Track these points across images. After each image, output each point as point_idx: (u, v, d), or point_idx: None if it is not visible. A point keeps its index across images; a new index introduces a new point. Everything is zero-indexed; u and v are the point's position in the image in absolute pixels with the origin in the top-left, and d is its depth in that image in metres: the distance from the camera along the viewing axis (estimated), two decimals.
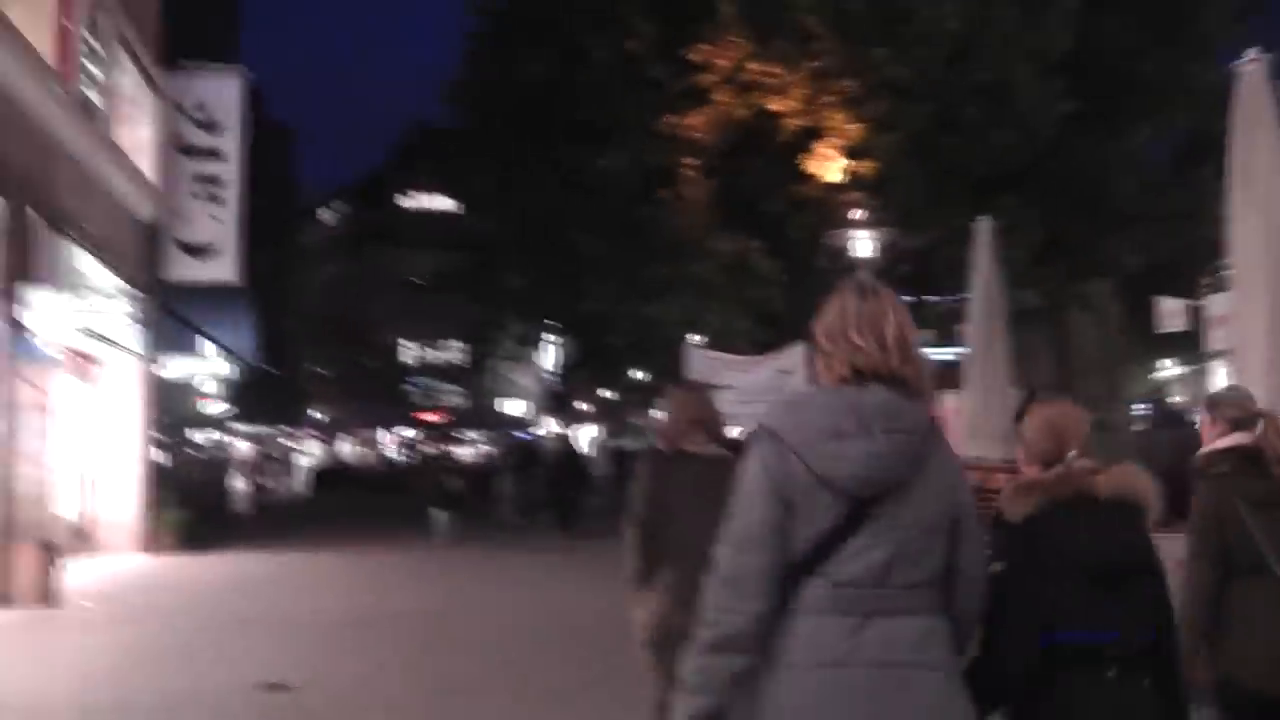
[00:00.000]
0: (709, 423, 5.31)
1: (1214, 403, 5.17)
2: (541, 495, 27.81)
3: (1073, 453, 3.21)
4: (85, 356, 17.87)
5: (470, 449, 52.09)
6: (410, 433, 66.79)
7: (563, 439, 34.70)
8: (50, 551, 13.23)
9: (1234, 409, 4.87)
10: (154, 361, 19.90)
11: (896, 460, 2.61)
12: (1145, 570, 3.09)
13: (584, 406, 62.19)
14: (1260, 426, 4.58)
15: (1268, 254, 8.07)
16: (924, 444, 2.68)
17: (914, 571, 2.62)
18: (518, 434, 61.43)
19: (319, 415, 70.12)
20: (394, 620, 11.84)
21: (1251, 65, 8.28)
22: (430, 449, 21.06)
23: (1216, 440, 4.80)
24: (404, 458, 59.48)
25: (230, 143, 21.27)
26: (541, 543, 21.19)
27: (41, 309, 13.97)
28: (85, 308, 14.62)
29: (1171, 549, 7.34)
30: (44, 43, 14.82)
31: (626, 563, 5.07)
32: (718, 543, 2.68)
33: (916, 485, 2.63)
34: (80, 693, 8.36)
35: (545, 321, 39.03)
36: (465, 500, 21.06)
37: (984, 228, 13.39)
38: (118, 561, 17.50)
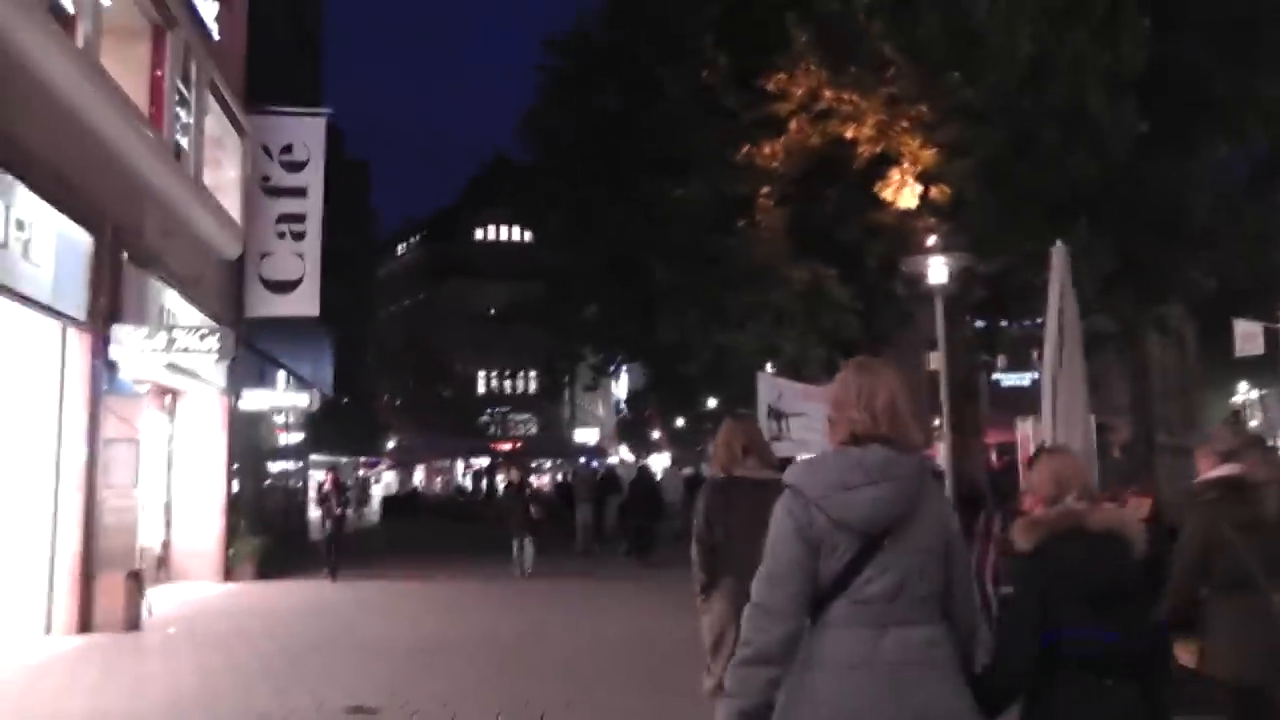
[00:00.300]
0: (758, 448, 6.07)
1: (1208, 437, 5.94)
2: (618, 523, 27.91)
3: (1072, 495, 3.79)
4: (170, 390, 18.31)
5: (545, 477, 52.16)
6: (485, 461, 67.17)
7: (641, 467, 34.67)
8: (136, 580, 13.58)
9: (1224, 443, 5.69)
10: (236, 395, 20.29)
11: (896, 502, 3.29)
12: (1134, 593, 3.66)
13: (656, 434, 62.31)
14: (1248, 458, 5.46)
15: None
16: (917, 487, 3.37)
17: (919, 588, 3.28)
18: (595, 462, 61.69)
19: (394, 445, 70.79)
20: (470, 645, 11.97)
21: None
22: (511, 477, 20.64)
23: (1209, 471, 5.60)
24: (478, 486, 59.75)
25: (313, 182, 21.73)
26: (618, 570, 21.23)
27: (129, 344, 14.34)
28: (171, 343, 14.94)
29: None
30: (138, 90, 15.31)
31: (694, 576, 5.84)
32: (756, 576, 3.31)
33: (914, 520, 3.31)
34: (172, 714, 8.55)
35: (620, 351, 39.20)
36: (543, 528, 21.03)
37: (1058, 252, 13.36)
38: (198, 588, 17.88)
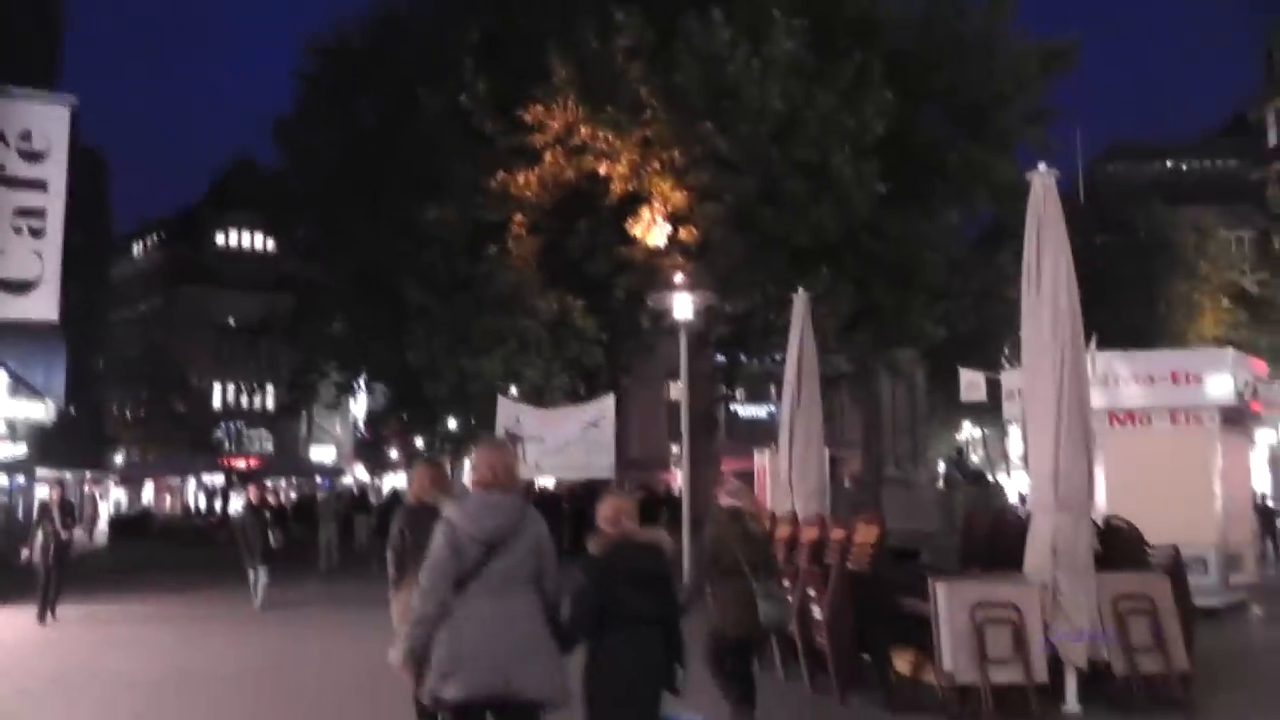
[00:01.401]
0: (441, 483, 8.23)
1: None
2: (368, 543, 27.75)
3: (626, 521, 6.08)
4: None
5: (280, 497, 50.85)
6: (219, 479, 64.99)
7: (393, 491, 34.48)
8: None
9: (732, 487, 9.16)
10: None
11: (506, 524, 5.57)
12: (661, 578, 6.04)
13: (395, 454, 61.69)
14: (744, 498, 8.96)
15: (1054, 339, 9.07)
16: (520, 516, 5.66)
17: (520, 574, 5.52)
18: (328, 481, 60.59)
19: (123, 460, 67.86)
20: (217, 676, 11.73)
21: (1042, 177, 9.42)
22: (251, 496, 19.46)
23: (722, 502, 8.87)
24: (212, 506, 57.79)
25: (54, 175, 20.45)
26: (364, 590, 20.92)
27: None
28: None
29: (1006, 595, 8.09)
30: None
31: (389, 574, 7.85)
32: (421, 570, 5.65)
33: (519, 535, 5.57)
34: None
35: (366, 369, 38.68)
36: (282, 553, 19.77)
37: (800, 299, 14.24)
38: None
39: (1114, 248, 43.84)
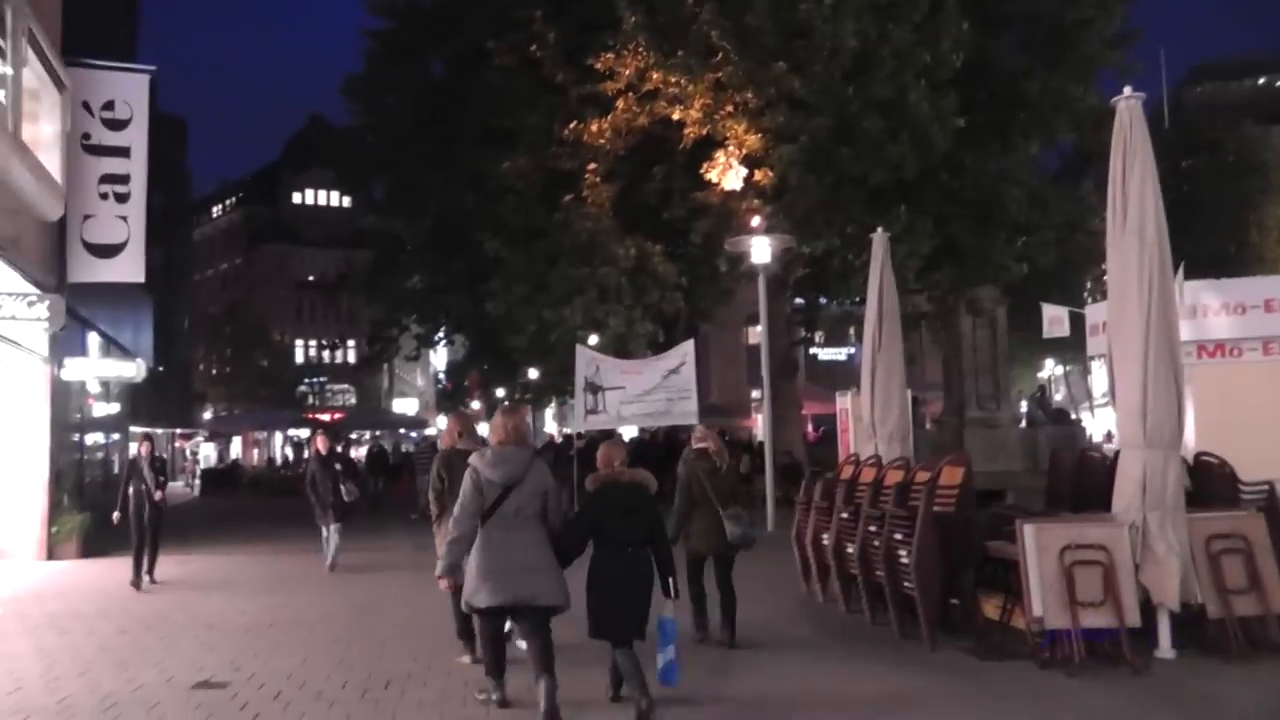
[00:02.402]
0: (469, 433, 10.12)
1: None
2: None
3: (617, 462, 7.76)
4: None
5: (362, 449, 51.59)
6: (304, 433, 66.01)
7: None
8: None
9: (700, 433, 10.83)
10: (58, 364, 19.70)
11: (517, 471, 7.35)
12: (645, 508, 7.60)
13: (476, 405, 62.23)
14: (710, 439, 10.54)
15: (1140, 270, 8.84)
16: (529, 464, 7.43)
17: (529, 509, 7.32)
18: (414, 433, 61.31)
19: (210, 415, 69.15)
20: (309, 620, 11.97)
21: (1128, 101, 9.10)
22: (319, 446, 17.77)
23: (694, 444, 10.58)
24: (299, 458, 58.77)
25: (136, 141, 21.01)
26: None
27: None
28: None
29: (1068, 534, 7.99)
30: None
31: (431, 510, 9.91)
32: (455, 505, 7.54)
33: (526, 479, 7.34)
34: (18, 697, 8.51)
35: (445, 322, 39.03)
36: (359, 508, 19.20)
37: (879, 239, 14.06)
38: (19, 568, 17.39)
39: (1201, 172, 42.39)
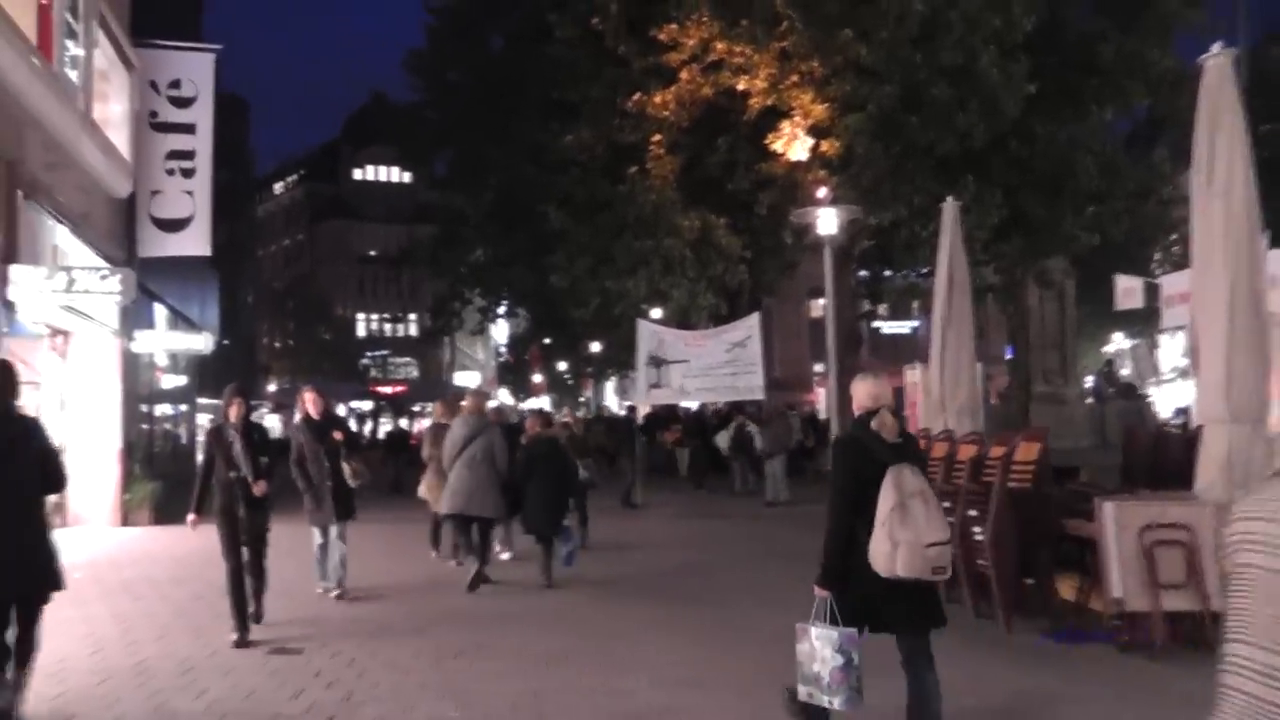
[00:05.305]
0: (452, 409, 13.85)
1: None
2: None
3: (538, 426, 13.70)
4: (61, 332, 18.01)
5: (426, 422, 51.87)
6: (367, 405, 66.58)
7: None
8: None
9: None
10: (129, 337, 20.00)
11: (475, 430, 12.47)
12: (556, 458, 13.11)
13: (538, 378, 62.48)
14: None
15: (1226, 237, 8.58)
16: (484, 425, 12.60)
17: (481, 454, 12.32)
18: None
19: (275, 388, 69.94)
20: (382, 588, 12.09)
21: (1216, 59, 8.79)
22: (309, 410, 12.64)
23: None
24: (362, 431, 59.29)
25: (202, 118, 21.43)
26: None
27: (27, 285, 14.14)
28: (71, 284, 14.74)
29: (1133, 516, 7.76)
30: (26, 19, 14.94)
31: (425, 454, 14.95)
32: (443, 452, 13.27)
33: (481, 436, 12.38)
34: (98, 658, 8.63)
35: (508, 295, 39.20)
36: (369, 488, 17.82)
37: (949, 208, 13.84)
38: (95, 534, 17.67)
39: None
